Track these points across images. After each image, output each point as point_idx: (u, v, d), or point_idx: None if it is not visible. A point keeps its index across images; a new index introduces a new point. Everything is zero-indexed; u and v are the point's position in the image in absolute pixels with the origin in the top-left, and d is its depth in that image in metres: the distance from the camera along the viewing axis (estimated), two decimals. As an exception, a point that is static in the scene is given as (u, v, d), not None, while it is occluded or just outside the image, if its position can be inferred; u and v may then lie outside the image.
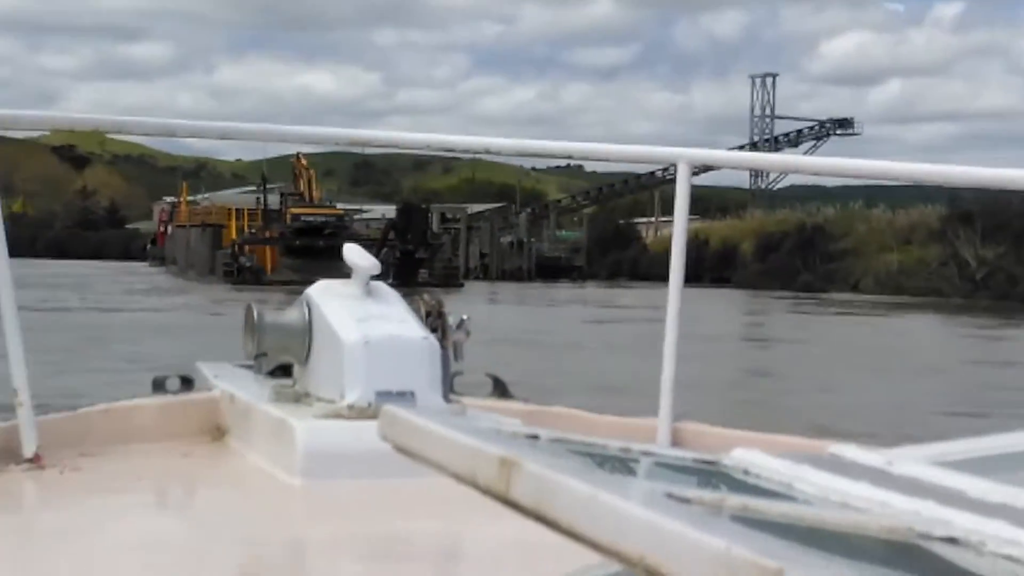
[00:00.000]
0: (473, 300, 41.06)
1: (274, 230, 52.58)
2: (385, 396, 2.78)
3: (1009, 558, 0.81)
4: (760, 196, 67.82)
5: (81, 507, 2.65)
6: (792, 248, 58.62)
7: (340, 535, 2.47)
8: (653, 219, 65.70)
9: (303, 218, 51.86)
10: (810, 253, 58.22)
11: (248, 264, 50.65)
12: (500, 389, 3.53)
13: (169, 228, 67.90)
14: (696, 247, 58.30)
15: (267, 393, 3.16)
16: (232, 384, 3.34)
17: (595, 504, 0.74)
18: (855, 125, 77.00)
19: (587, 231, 71.17)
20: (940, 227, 53.77)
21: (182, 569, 2.18)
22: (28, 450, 2.75)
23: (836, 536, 0.85)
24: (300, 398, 3.18)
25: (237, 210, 56.65)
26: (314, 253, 46.96)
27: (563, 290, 54.22)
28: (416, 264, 51.46)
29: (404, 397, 2.86)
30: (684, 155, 3.31)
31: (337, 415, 2.92)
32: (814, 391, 18.64)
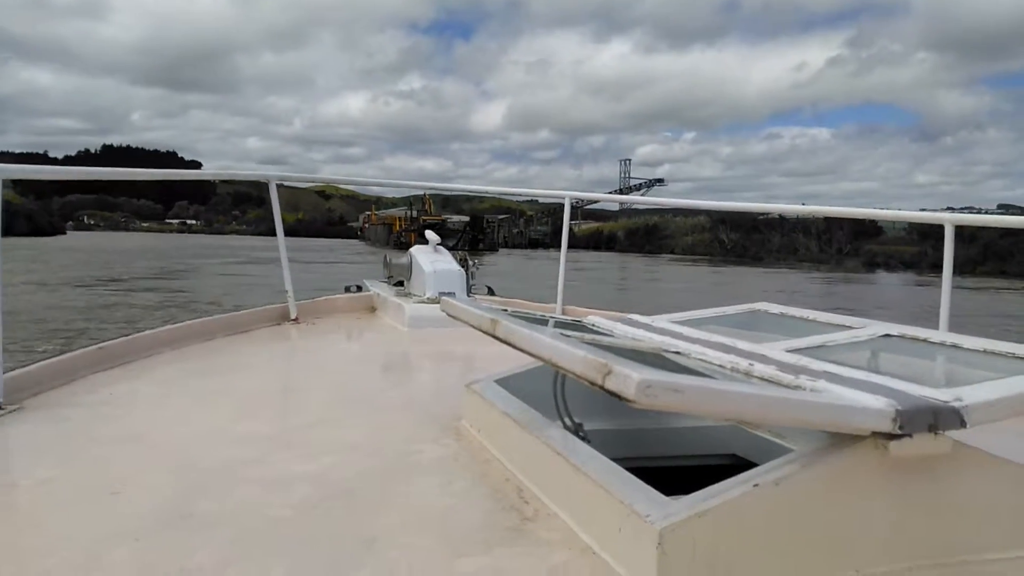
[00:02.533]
0: (503, 256, 61.33)
1: (415, 226, 71.59)
2: (441, 294, 3.66)
3: (700, 360, 1.67)
4: (623, 212, 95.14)
5: (315, 336, 3.84)
6: (642, 234, 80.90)
7: (422, 350, 3.55)
8: (577, 221, 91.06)
9: (426, 221, 69.48)
10: (650, 237, 79.64)
11: (404, 240, 68.12)
12: (490, 291, 4.98)
13: (367, 225, 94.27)
14: (597, 234, 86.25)
15: (393, 292, 4.53)
16: (378, 289, 4.70)
17: (531, 337, 1.45)
18: (664, 182, 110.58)
19: (550, 227, 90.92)
20: (710, 225, 71.81)
21: (361, 359, 3.48)
22: (291, 313, 4.11)
23: (629, 352, 1.58)
24: (407, 295, 4.42)
25: (399, 218, 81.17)
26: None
27: (540, 252, 70.76)
28: (477, 241, 74.23)
29: (448, 295, 3.51)
30: (568, 194, 4.77)
31: (422, 302, 4.16)
32: (647, 290, 29.33)
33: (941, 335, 1.90)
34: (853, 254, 59.56)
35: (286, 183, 4.46)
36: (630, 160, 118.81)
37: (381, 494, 1.67)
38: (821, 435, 1.31)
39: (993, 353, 1.68)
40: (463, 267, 4.55)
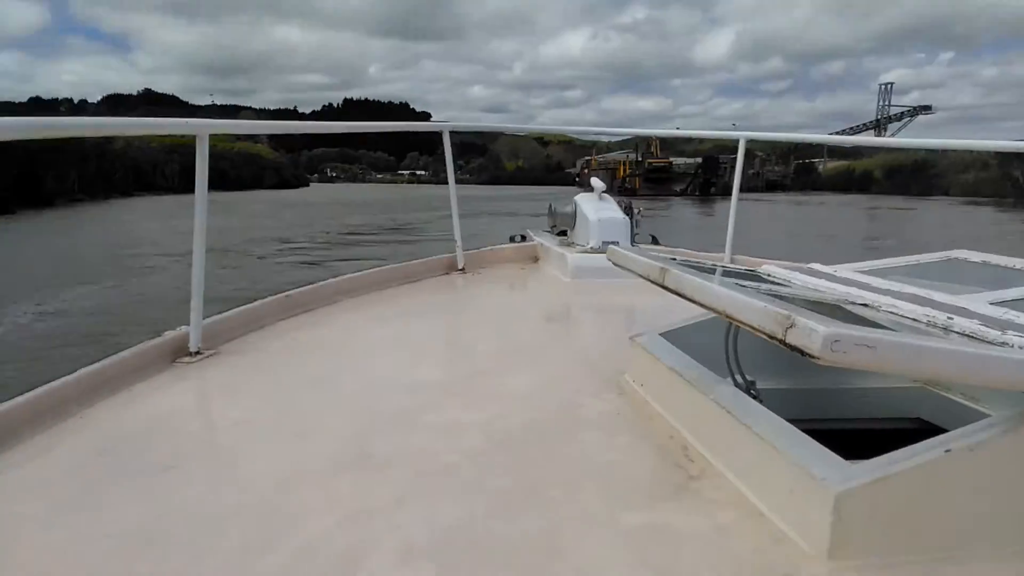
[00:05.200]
0: (741, 202, 68.31)
1: (639, 170, 76.69)
2: (605, 244, 4.21)
3: (890, 313, 1.66)
4: (878, 148, 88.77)
5: (480, 286, 4.13)
6: (907, 173, 75.90)
7: (585, 302, 3.75)
8: (822, 159, 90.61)
9: (652, 165, 76.34)
10: (917, 176, 74.40)
11: (629, 186, 72.99)
12: (655, 240, 5.15)
13: (586, 171, 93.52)
14: (847, 173, 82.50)
15: (556, 242, 4.76)
16: (542, 239, 4.94)
17: (702, 287, 1.51)
18: (932, 109, 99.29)
19: (789, 167, 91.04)
20: (996, 160, 61.30)
21: (525, 309, 3.69)
22: (459, 263, 4.42)
23: (811, 303, 1.66)
24: (570, 244, 4.64)
25: (623, 163, 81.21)
26: (658, 181, 72.34)
27: (782, 196, 73.16)
28: (709, 184, 73.42)
29: (613, 243, 3.70)
30: (743, 135, 4.57)
31: (585, 252, 4.36)
32: (898, 239, 26.40)
33: None
34: None
35: (507, 131, 4.61)
36: (891, 85, 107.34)
37: (545, 446, 1.75)
38: (1023, 398, 1.25)
39: None
40: (628, 215, 4.62)
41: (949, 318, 1.54)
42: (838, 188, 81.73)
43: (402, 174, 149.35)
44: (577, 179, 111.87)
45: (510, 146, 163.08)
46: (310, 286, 3.45)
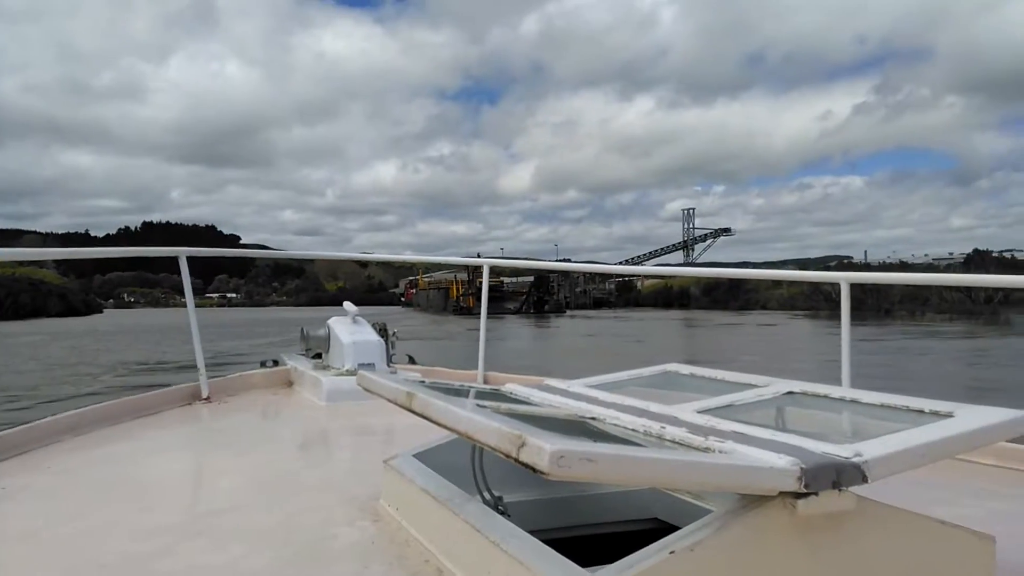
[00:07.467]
0: (571, 319, 63.47)
1: (472, 289, 76.27)
2: (361, 366, 4.40)
3: (615, 425, 1.80)
4: (689, 265, 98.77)
5: (227, 416, 4.05)
6: (725, 289, 79.07)
7: (341, 425, 3.79)
8: (640, 278, 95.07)
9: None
10: (735, 292, 78.07)
11: (464, 305, 76.26)
12: (411, 360, 5.31)
13: (413, 291, 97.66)
14: (665, 290, 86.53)
15: (310, 365, 4.87)
16: (296, 363, 5.02)
17: (446, 410, 1.55)
18: (732, 231, 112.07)
19: (613, 285, 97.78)
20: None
21: (274, 435, 3.67)
22: (203, 392, 4.37)
23: (546, 420, 1.77)
24: (325, 368, 4.76)
25: (454, 282, 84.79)
26: (491, 299, 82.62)
27: (605, 312, 76.65)
28: (543, 303, 77.44)
29: (368, 366, 4.30)
30: (487, 261, 5.38)
31: (340, 375, 4.46)
32: (721, 357, 25.46)
33: (842, 391, 2.04)
34: (1004, 302, 55.33)
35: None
36: (693, 210, 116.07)
37: None
38: (736, 495, 1.37)
39: (890, 407, 1.81)
40: (383, 337, 4.80)
41: (662, 427, 1.68)
42: (659, 304, 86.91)
43: (211, 297, 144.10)
44: (403, 299, 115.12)
45: (327, 268, 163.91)
46: (23, 426, 3.16)
